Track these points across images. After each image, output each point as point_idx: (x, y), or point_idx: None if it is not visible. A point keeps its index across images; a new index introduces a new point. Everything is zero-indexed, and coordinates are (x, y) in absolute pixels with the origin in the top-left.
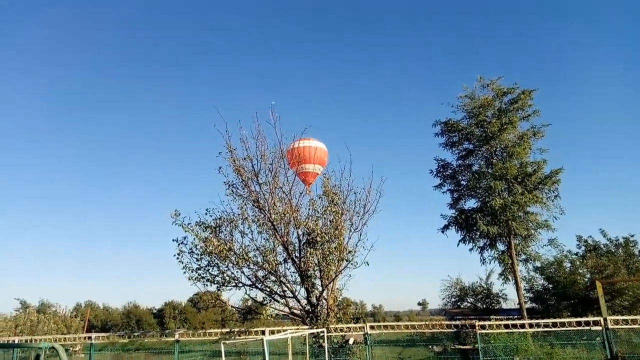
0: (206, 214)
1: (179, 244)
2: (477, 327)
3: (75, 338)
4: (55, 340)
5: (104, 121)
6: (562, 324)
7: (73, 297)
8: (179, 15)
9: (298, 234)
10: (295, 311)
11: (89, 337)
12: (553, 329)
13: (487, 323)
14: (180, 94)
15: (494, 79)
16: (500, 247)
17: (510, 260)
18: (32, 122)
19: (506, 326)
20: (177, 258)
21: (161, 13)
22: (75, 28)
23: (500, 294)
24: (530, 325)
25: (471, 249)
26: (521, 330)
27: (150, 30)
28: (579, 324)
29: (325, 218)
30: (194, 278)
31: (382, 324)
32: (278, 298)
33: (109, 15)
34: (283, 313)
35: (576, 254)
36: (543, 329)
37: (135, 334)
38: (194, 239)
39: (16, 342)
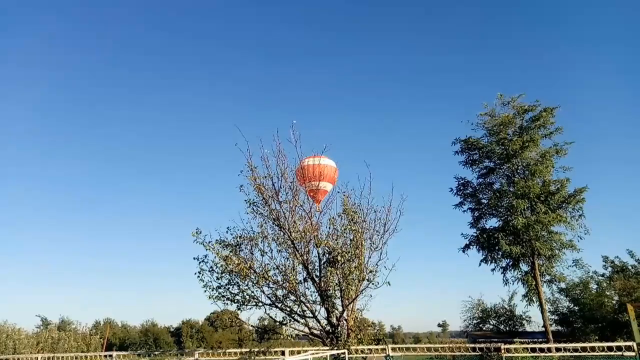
0: (227, 232)
1: (199, 262)
2: (502, 350)
3: (96, 356)
4: (77, 358)
5: (125, 137)
6: (592, 349)
7: (92, 314)
8: (199, 25)
9: (318, 253)
10: (315, 331)
11: (110, 356)
12: (582, 353)
13: (513, 346)
14: (201, 107)
15: (514, 96)
16: (524, 267)
17: (534, 281)
18: (60, 138)
19: (532, 349)
20: (198, 276)
21: (182, 22)
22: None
23: (524, 316)
24: (557, 349)
25: (493, 269)
26: (547, 354)
27: (164, 44)
28: (610, 348)
29: (345, 237)
30: (214, 297)
31: (404, 345)
32: (298, 318)
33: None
34: (302, 333)
35: (603, 275)
36: (571, 354)
37: (155, 353)
38: (215, 257)
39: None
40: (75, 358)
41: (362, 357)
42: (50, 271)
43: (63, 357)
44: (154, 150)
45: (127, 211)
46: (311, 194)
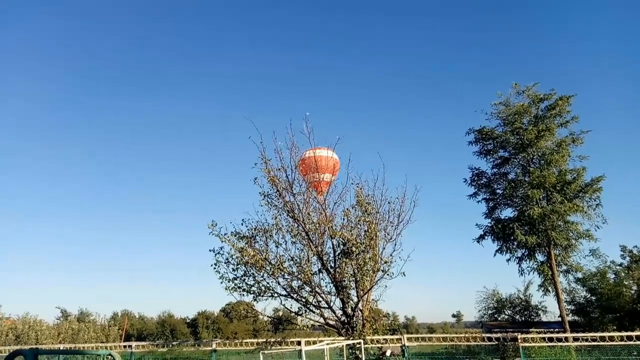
0: (242, 224)
1: (215, 254)
2: (519, 340)
3: (115, 347)
4: (97, 348)
5: (140, 132)
6: (610, 338)
7: (110, 306)
8: (215, 21)
9: (333, 244)
10: (330, 322)
11: (129, 346)
12: (600, 343)
13: (530, 336)
14: (214, 101)
15: (529, 85)
16: (540, 257)
17: (550, 271)
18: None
19: (550, 339)
20: (214, 268)
21: (199, 19)
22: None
23: (540, 306)
24: (575, 339)
25: (508, 260)
26: (565, 344)
27: (180, 39)
28: (629, 338)
29: (359, 228)
30: (230, 288)
31: (420, 335)
32: (313, 308)
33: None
34: (318, 324)
35: (620, 265)
36: (589, 343)
37: (174, 343)
38: (231, 249)
39: (60, 349)
40: (96, 348)
41: (378, 347)
42: (68, 263)
43: (99, 347)
44: (169, 144)
45: (144, 205)
46: (314, 185)
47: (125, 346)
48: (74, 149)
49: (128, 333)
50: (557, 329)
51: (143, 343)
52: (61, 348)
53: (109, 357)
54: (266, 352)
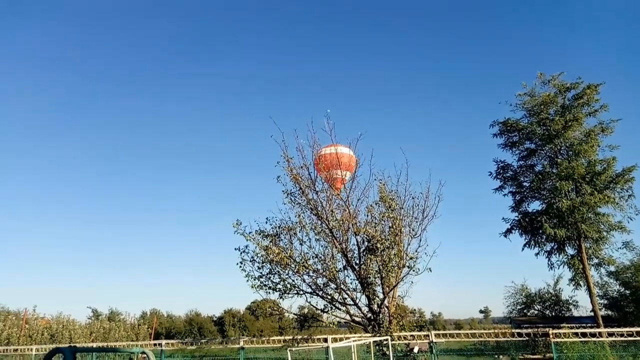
0: (266, 222)
1: (241, 253)
2: (551, 336)
3: (146, 345)
4: (129, 346)
5: (165, 132)
6: None
7: (139, 305)
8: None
9: (357, 241)
10: (356, 318)
11: (159, 344)
12: (636, 338)
13: (562, 331)
14: (236, 102)
15: (555, 75)
16: (570, 251)
17: (581, 265)
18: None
19: (583, 334)
20: (240, 266)
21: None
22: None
23: (571, 301)
24: (609, 334)
25: (537, 254)
26: (598, 339)
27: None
28: None
29: (383, 224)
30: (256, 286)
31: (447, 332)
32: (339, 305)
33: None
34: (344, 321)
35: None
36: (624, 339)
37: (202, 341)
38: (256, 247)
39: (93, 347)
40: (128, 347)
41: (405, 344)
42: (99, 264)
43: (132, 345)
44: (195, 144)
45: (170, 206)
46: (330, 182)
47: (155, 344)
48: (103, 150)
49: (157, 331)
50: (589, 324)
51: (172, 341)
52: (95, 346)
53: (143, 354)
54: (293, 349)
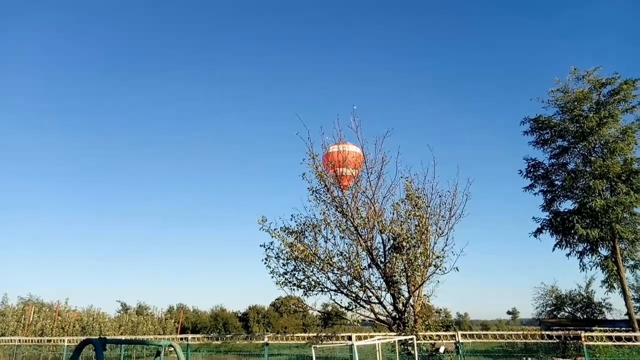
0: (291, 219)
1: (266, 249)
2: (583, 339)
3: (172, 338)
4: (157, 339)
5: (191, 131)
6: None
7: (166, 299)
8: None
9: (382, 239)
10: (381, 317)
11: (185, 338)
12: None
13: (595, 334)
14: (261, 99)
15: (590, 70)
16: (603, 252)
17: (615, 266)
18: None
19: (618, 338)
20: (265, 263)
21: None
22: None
23: (604, 303)
24: None
25: (568, 254)
26: (633, 343)
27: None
28: None
29: (409, 222)
30: (281, 282)
31: (474, 332)
32: (363, 304)
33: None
34: (368, 319)
35: None
36: None
37: (227, 336)
38: (280, 244)
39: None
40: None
41: (431, 344)
42: (128, 259)
43: (162, 338)
44: (220, 142)
45: (196, 204)
46: (338, 180)
47: (181, 338)
48: (143, 148)
49: (183, 326)
50: (624, 328)
51: (198, 335)
52: (124, 339)
53: (170, 347)
54: (318, 346)
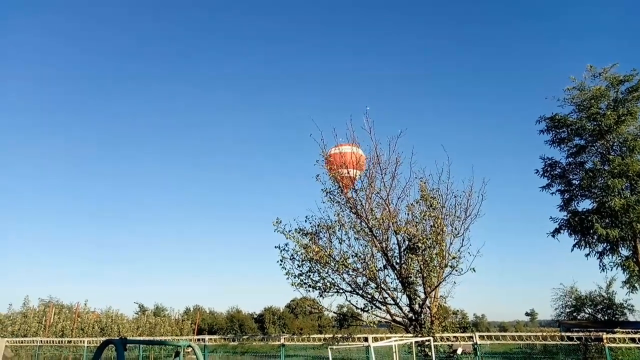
0: (305, 221)
1: (281, 251)
2: (605, 340)
3: (190, 339)
4: (176, 340)
5: (205, 135)
6: None
7: (183, 301)
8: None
9: (397, 240)
10: (397, 318)
11: (202, 340)
12: None
13: (617, 336)
14: (275, 101)
15: (607, 67)
16: (624, 252)
17: (636, 267)
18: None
19: None
20: (280, 264)
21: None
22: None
23: (625, 305)
24: None
25: (587, 255)
26: None
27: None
28: None
29: (424, 223)
30: (296, 284)
31: (492, 334)
32: (379, 305)
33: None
34: (384, 320)
35: None
36: None
37: (244, 337)
38: (295, 245)
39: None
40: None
41: (448, 345)
42: (145, 261)
43: (180, 339)
44: (234, 146)
45: (211, 205)
46: (340, 181)
47: (198, 339)
48: (156, 149)
49: (200, 327)
50: None
51: (215, 337)
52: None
53: (189, 348)
54: (334, 347)
